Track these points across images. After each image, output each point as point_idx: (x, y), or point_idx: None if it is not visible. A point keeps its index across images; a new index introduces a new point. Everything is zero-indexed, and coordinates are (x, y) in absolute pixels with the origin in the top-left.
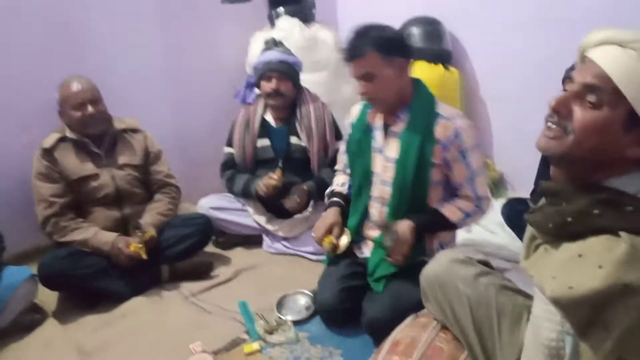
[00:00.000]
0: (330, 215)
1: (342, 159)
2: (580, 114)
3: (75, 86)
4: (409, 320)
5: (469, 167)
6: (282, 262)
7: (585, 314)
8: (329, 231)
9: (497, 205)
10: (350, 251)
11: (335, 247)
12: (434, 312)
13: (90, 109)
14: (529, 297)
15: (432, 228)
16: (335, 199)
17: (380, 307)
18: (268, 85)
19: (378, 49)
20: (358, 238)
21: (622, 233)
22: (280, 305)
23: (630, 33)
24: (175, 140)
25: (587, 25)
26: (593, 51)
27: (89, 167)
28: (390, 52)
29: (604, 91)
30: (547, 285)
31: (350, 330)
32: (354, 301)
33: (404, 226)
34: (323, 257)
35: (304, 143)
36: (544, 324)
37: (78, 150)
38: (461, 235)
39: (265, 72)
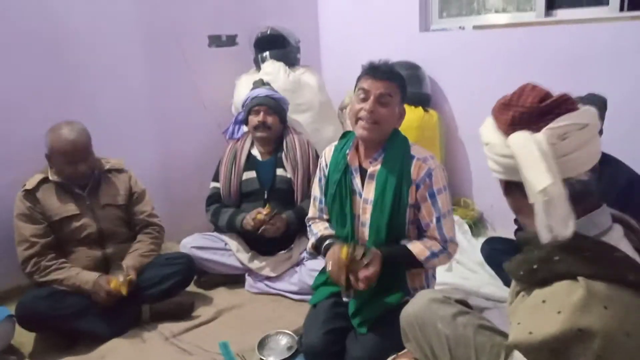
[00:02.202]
0: (336, 250)
1: (315, 206)
2: None
3: (70, 141)
4: None
5: (436, 208)
6: (264, 302)
7: (545, 358)
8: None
9: (477, 244)
10: (335, 293)
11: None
12: (413, 351)
13: (82, 167)
14: (507, 336)
15: (399, 262)
16: (329, 240)
17: (364, 348)
18: (255, 119)
19: (401, 88)
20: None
21: (580, 278)
22: (261, 345)
23: None
24: (159, 179)
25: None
26: None
27: (71, 208)
28: (404, 98)
29: None
30: (511, 331)
31: None
32: (339, 343)
33: (373, 252)
34: (306, 297)
35: (289, 175)
36: None
37: (60, 191)
38: (442, 274)
39: (253, 106)
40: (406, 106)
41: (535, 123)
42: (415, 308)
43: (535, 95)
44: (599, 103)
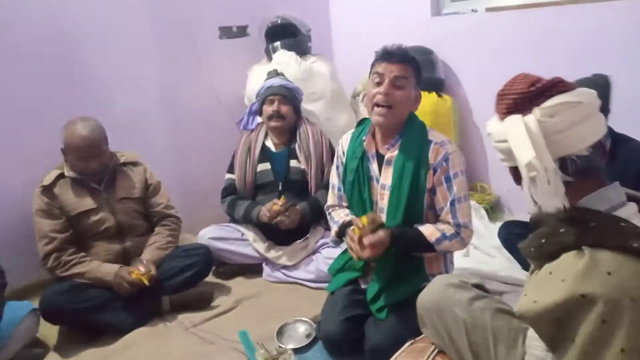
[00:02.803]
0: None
1: (334, 194)
2: None
3: (83, 138)
4: (406, 346)
5: (451, 192)
6: (282, 291)
7: (551, 326)
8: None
9: (494, 229)
10: (352, 279)
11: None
12: (431, 337)
13: (94, 163)
14: None
15: (409, 242)
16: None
17: (383, 334)
18: (270, 108)
19: (415, 71)
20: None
21: (585, 248)
22: (280, 333)
23: None
24: (175, 172)
25: (573, 46)
26: None
27: (88, 202)
28: (419, 81)
29: None
30: (517, 303)
31: (352, 357)
32: (357, 330)
33: (383, 230)
34: (323, 285)
35: (302, 166)
36: (534, 344)
37: (77, 186)
38: (460, 259)
39: (267, 95)
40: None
41: (528, 107)
42: (432, 293)
43: (525, 82)
44: (602, 82)
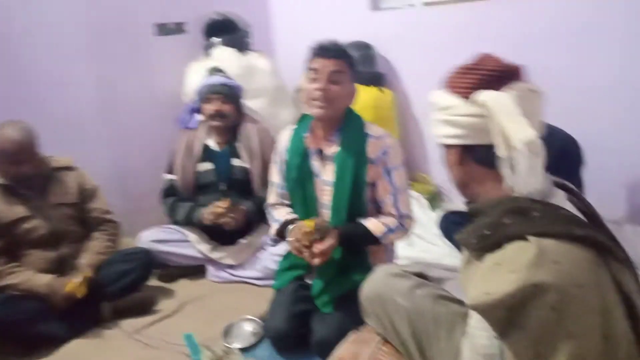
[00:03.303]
0: (301, 224)
1: (274, 192)
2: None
3: (12, 142)
4: (350, 336)
5: (392, 184)
6: (228, 291)
7: (503, 316)
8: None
9: (435, 218)
10: (298, 276)
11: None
12: (375, 326)
13: (26, 168)
14: (464, 304)
15: (356, 238)
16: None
17: (329, 328)
18: (211, 107)
19: (350, 66)
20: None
21: (530, 237)
22: (227, 333)
23: None
24: (112, 173)
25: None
26: None
27: (19, 210)
28: (354, 75)
29: None
30: (468, 295)
31: (299, 353)
32: (303, 325)
33: (331, 234)
34: (270, 282)
35: (246, 164)
36: (479, 333)
37: (6, 193)
38: (403, 248)
39: (207, 94)
40: (360, 86)
41: (495, 87)
42: (374, 284)
43: (495, 61)
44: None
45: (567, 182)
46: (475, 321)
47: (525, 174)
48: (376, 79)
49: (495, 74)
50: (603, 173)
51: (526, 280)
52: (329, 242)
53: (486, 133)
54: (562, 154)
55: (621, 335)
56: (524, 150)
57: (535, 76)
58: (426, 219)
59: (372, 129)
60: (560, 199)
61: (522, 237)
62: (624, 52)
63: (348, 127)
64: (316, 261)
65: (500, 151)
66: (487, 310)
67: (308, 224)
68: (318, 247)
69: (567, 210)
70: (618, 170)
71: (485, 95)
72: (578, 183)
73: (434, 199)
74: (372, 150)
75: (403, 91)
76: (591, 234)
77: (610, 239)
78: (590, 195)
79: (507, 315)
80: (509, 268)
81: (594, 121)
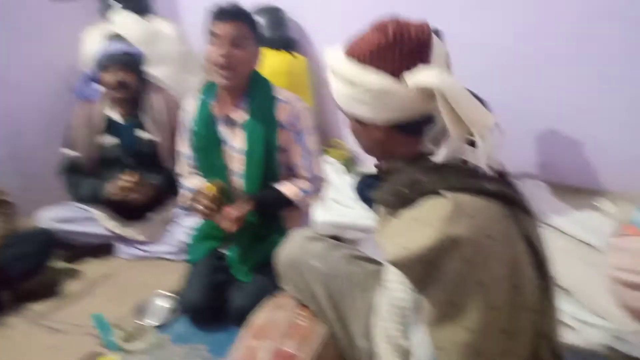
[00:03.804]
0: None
1: (184, 163)
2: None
3: None
4: (266, 303)
5: (305, 148)
6: (140, 267)
7: (421, 270)
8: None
9: (350, 182)
10: (213, 247)
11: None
12: (291, 291)
13: None
14: (379, 263)
15: (271, 203)
16: None
17: (247, 297)
18: (111, 77)
19: (252, 28)
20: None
21: (446, 193)
22: (139, 311)
23: None
24: (6, 151)
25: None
26: None
27: None
28: (257, 37)
29: None
30: (386, 251)
31: (217, 325)
32: (220, 297)
33: (246, 202)
34: (183, 257)
35: (153, 136)
36: (396, 286)
37: None
38: (320, 212)
39: (107, 63)
40: (271, 51)
41: (423, 58)
42: (288, 248)
43: (414, 27)
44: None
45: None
46: (392, 275)
47: (486, 155)
48: (288, 44)
49: (422, 44)
50: (510, 133)
51: (443, 234)
52: (243, 208)
53: (423, 109)
54: None
55: (528, 284)
56: (487, 135)
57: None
58: (341, 184)
59: (281, 93)
60: (470, 155)
61: (437, 193)
62: (529, 14)
63: (255, 92)
64: (233, 227)
65: (453, 134)
66: (405, 264)
67: (209, 189)
68: (232, 213)
69: (480, 168)
70: (521, 129)
71: (432, 79)
72: None
73: (349, 164)
74: (282, 114)
75: (316, 56)
76: (501, 188)
77: (517, 192)
78: (500, 152)
79: (424, 269)
80: (426, 223)
81: (501, 82)
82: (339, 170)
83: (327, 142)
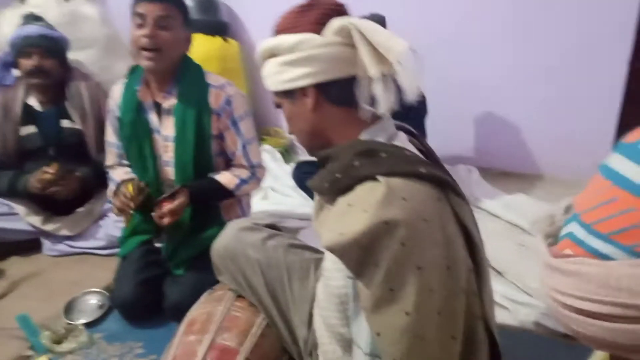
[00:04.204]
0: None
1: (112, 153)
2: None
3: None
4: (204, 296)
5: (240, 135)
6: (68, 264)
7: (357, 255)
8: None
9: (289, 170)
10: (145, 241)
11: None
12: (228, 283)
13: None
14: (317, 251)
15: (208, 194)
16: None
17: (183, 290)
18: (28, 63)
19: (180, 9)
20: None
21: (380, 177)
22: (68, 309)
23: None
24: None
25: None
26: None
27: None
28: (186, 19)
29: None
30: (322, 237)
31: (152, 321)
32: (154, 291)
33: (181, 192)
34: (115, 251)
35: (78, 125)
36: (334, 274)
37: None
38: (258, 202)
39: (24, 48)
40: (203, 36)
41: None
42: (225, 240)
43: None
44: (378, 20)
45: (406, 125)
46: (330, 263)
47: (408, 84)
48: (220, 29)
49: (335, 8)
50: (441, 120)
51: (378, 217)
52: (179, 201)
53: (345, 64)
54: (410, 105)
55: (462, 265)
56: (405, 61)
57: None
58: (280, 172)
59: (212, 78)
60: (403, 139)
61: (371, 178)
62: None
63: (185, 77)
64: (166, 221)
65: (372, 72)
66: (342, 251)
67: (128, 189)
68: (167, 207)
69: (411, 151)
70: (453, 116)
71: (346, 19)
72: (422, 130)
73: (287, 152)
74: (214, 100)
75: (249, 41)
76: (433, 171)
77: (447, 175)
78: (431, 139)
79: (361, 254)
80: (361, 208)
81: (433, 70)
82: (277, 158)
83: (264, 130)
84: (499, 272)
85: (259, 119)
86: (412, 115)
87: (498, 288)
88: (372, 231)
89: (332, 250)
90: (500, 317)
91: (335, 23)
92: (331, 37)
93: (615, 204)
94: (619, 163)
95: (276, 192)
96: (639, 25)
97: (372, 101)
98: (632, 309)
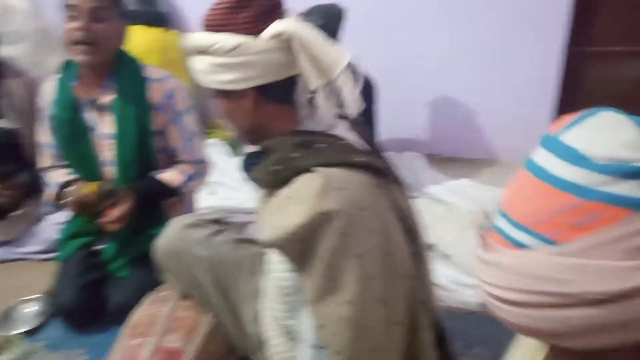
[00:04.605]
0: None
1: (47, 154)
2: None
3: None
4: (148, 298)
5: (184, 130)
6: (3, 271)
7: (298, 248)
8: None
9: (237, 163)
10: (85, 243)
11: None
12: (174, 283)
13: None
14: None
15: (154, 195)
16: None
17: (126, 293)
18: None
19: (116, 1)
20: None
21: (318, 168)
22: (5, 319)
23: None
24: None
25: None
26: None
27: None
28: (121, 10)
29: None
30: (263, 232)
31: (96, 326)
32: (97, 295)
33: (122, 191)
34: (53, 255)
35: (12, 125)
36: (278, 267)
37: None
38: (205, 197)
39: None
40: (142, 27)
41: (274, 17)
42: (168, 238)
43: None
44: (335, 11)
45: (347, 114)
46: (274, 256)
47: (348, 97)
48: (160, 19)
49: (270, 5)
50: (388, 106)
51: (315, 209)
52: (125, 206)
53: (284, 67)
54: (361, 93)
55: (400, 251)
56: (344, 75)
57: None
58: (228, 166)
59: (152, 72)
60: (344, 129)
61: (309, 169)
62: None
63: (123, 71)
64: (114, 227)
65: (313, 83)
66: (282, 245)
67: (88, 191)
68: (115, 213)
69: (346, 140)
70: (400, 105)
71: (285, 26)
72: (372, 118)
73: (234, 145)
74: (155, 95)
75: (191, 31)
76: (370, 160)
77: (386, 163)
78: (379, 128)
79: (300, 247)
80: (298, 200)
81: (378, 59)
82: (224, 152)
83: (210, 123)
84: (446, 256)
85: (203, 112)
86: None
87: (445, 271)
88: (310, 223)
89: (272, 244)
90: (448, 299)
91: (275, 28)
92: (270, 42)
93: (534, 195)
94: (540, 156)
95: (224, 187)
96: (575, 7)
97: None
98: (549, 296)
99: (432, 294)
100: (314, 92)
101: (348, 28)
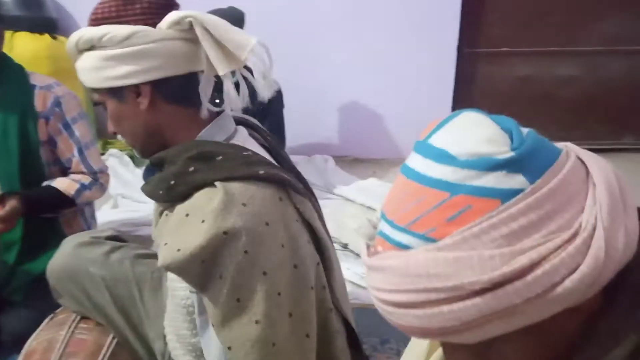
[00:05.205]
0: None
1: None
2: None
3: None
4: (44, 323)
5: (75, 139)
6: None
7: (199, 270)
8: None
9: (140, 174)
10: None
11: None
12: (70, 306)
13: None
14: None
15: (46, 202)
16: None
17: (21, 319)
18: None
19: None
20: None
21: (217, 183)
22: None
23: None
24: None
25: None
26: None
27: None
28: None
29: None
30: (160, 254)
31: None
32: None
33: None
34: None
35: None
36: (177, 285)
37: None
38: (107, 212)
39: None
40: (28, 34)
41: (168, 10)
42: (61, 258)
43: None
44: (236, 15)
45: (247, 117)
46: (173, 274)
47: (261, 80)
48: (47, 25)
49: (165, 2)
50: (296, 113)
51: (217, 228)
52: (9, 206)
53: (185, 60)
54: (269, 100)
55: (308, 261)
56: (256, 57)
57: None
58: (130, 177)
59: (38, 79)
60: (243, 135)
61: (209, 184)
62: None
63: (4, 79)
64: None
65: (221, 70)
66: (181, 269)
67: None
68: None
69: (250, 151)
70: (309, 109)
71: (187, 13)
72: (281, 123)
73: (134, 155)
74: (40, 103)
75: None
76: (273, 171)
77: (290, 171)
78: (288, 132)
79: (203, 269)
80: (199, 217)
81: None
82: (126, 162)
83: (108, 133)
84: (357, 255)
85: (103, 121)
86: (271, 108)
87: (357, 269)
88: (212, 244)
89: (169, 269)
90: (363, 297)
91: (173, 15)
92: (168, 30)
93: (409, 196)
94: (412, 159)
95: (127, 199)
96: (463, 11)
97: (219, 98)
98: (434, 292)
99: (344, 297)
100: (219, 83)
101: (249, 33)
